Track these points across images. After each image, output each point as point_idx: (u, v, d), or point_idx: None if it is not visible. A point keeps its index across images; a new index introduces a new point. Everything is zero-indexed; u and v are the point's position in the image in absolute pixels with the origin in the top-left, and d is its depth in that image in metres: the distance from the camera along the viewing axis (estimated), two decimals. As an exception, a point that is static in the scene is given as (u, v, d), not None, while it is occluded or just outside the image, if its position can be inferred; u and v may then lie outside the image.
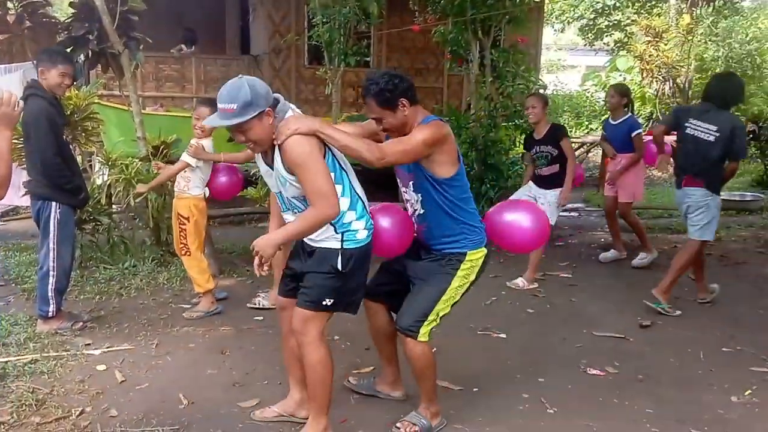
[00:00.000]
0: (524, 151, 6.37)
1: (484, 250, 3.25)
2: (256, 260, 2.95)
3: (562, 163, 5.85)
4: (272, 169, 2.92)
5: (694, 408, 3.58)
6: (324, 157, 2.84)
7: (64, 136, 4.55)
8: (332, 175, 2.85)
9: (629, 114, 6.66)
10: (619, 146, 6.51)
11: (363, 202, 3.01)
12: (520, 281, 5.83)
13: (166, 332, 4.60)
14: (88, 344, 4.33)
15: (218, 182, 5.08)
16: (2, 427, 3.25)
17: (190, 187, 4.88)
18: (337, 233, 2.93)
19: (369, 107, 3.09)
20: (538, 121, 5.93)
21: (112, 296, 5.34)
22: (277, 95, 2.89)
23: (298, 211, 2.96)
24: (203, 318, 4.87)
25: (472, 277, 3.25)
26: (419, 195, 3.19)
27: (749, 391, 3.77)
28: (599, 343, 4.52)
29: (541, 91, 10.56)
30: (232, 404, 3.54)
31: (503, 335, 4.63)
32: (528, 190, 6.05)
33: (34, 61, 7.43)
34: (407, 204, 3.30)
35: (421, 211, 3.21)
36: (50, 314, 4.50)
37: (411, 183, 3.20)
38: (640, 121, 15.01)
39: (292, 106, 2.94)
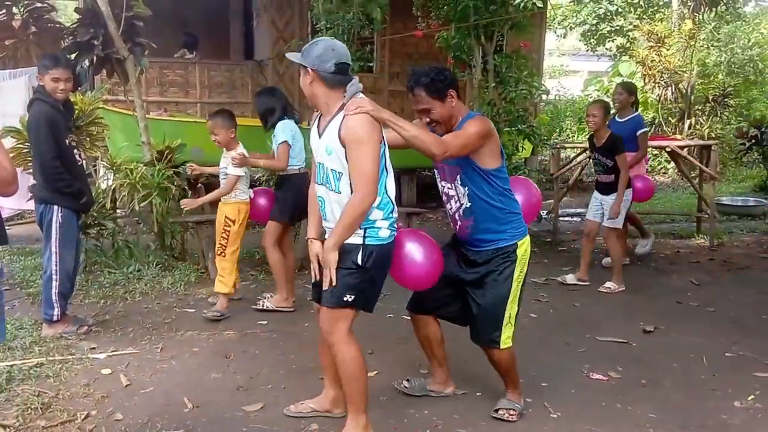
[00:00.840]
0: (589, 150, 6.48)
1: (528, 238, 3.39)
2: (325, 272, 2.99)
3: (617, 173, 5.91)
4: (320, 137, 3.02)
5: (697, 413, 3.59)
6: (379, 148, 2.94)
7: (68, 141, 4.55)
8: None
9: (636, 112, 6.73)
10: (624, 144, 6.48)
11: (393, 206, 3.06)
12: (611, 284, 5.90)
13: (171, 336, 4.62)
14: (93, 348, 4.35)
15: (260, 205, 5.25)
16: (8, 430, 3.27)
17: (237, 193, 5.03)
18: (360, 229, 2.96)
19: (418, 98, 3.20)
20: (597, 129, 5.97)
21: (117, 300, 5.37)
22: (353, 78, 3.01)
23: (330, 188, 3.01)
24: (219, 319, 4.93)
25: (526, 268, 3.38)
26: (466, 188, 3.28)
27: (752, 397, 3.78)
28: (602, 348, 4.53)
29: (544, 96, 10.61)
30: (236, 408, 3.55)
31: (506, 340, 4.63)
32: (595, 200, 6.15)
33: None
34: (450, 201, 3.39)
35: (468, 205, 3.30)
36: (55, 318, 4.53)
37: (458, 176, 3.28)
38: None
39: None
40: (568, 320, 5.13)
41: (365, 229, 2.97)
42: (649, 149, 7.39)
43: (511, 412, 3.45)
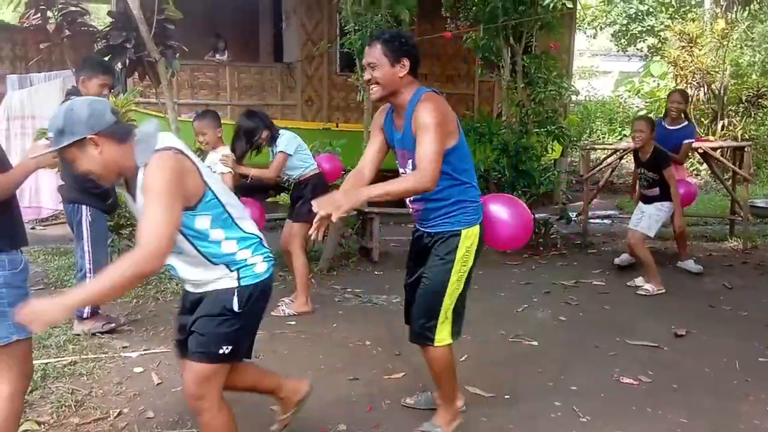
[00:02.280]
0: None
1: (478, 228, 3.10)
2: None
3: (662, 185, 5.95)
4: (134, 201, 2.45)
5: (729, 418, 3.53)
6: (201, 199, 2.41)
7: None
8: (209, 218, 2.45)
9: (685, 122, 6.77)
10: (670, 150, 6.43)
11: (257, 237, 2.62)
12: (649, 287, 5.87)
13: (201, 336, 4.67)
14: (126, 347, 4.42)
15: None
16: (43, 426, 3.33)
17: None
18: (231, 271, 2.53)
19: (370, 51, 2.95)
20: (643, 145, 5.97)
21: (149, 300, 5.45)
22: (139, 125, 2.46)
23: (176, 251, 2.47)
24: None
25: (471, 263, 3.10)
26: None
27: (786, 402, 3.71)
28: (633, 352, 4.49)
29: (573, 97, 10.54)
30: (265, 407, 3.57)
31: (535, 342, 4.62)
32: (639, 211, 6.20)
33: (74, 69, 7.59)
34: None
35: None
36: (86, 315, 4.60)
37: (410, 162, 3.02)
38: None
39: (163, 135, 2.40)
40: (598, 323, 5.08)
41: (237, 269, 2.53)
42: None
43: None
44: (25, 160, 2.67)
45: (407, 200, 3.14)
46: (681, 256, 6.65)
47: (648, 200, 6.10)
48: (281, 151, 5.14)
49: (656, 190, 5.99)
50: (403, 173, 3.09)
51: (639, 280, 6.07)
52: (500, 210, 3.28)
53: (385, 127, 3.19)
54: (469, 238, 3.07)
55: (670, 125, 6.69)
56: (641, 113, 15.63)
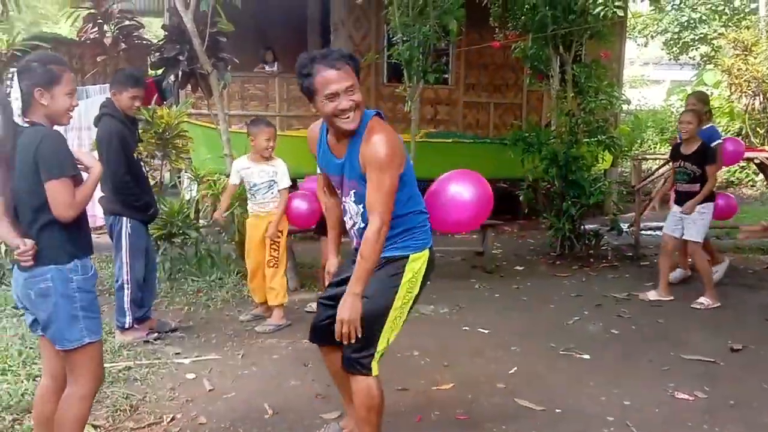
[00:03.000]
0: (670, 159, 6.25)
1: (427, 253, 2.86)
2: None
3: (703, 182, 5.73)
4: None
5: (791, 437, 3.42)
6: None
7: (135, 155, 4.71)
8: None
9: (710, 124, 6.51)
10: None
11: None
12: (704, 300, 5.74)
13: (251, 343, 4.73)
14: (178, 353, 4.49)
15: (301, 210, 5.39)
16: (99, 430, 3.41)
17: (277, 205, 5.12)
18: None
19: (345, 74, 2.61)
20: (690, 137, 5.81)
21: (200, 307, 5.54)
22: None
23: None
24: (275, 331, 5.00)
25: (416, 290, 2.85)
26: (360, 206, 2.78)
27: None
28: (687, 367, 4.38)
29: (624, 106, 10.37)
30: (314, 416, 3.60)
31: (586, 356, 4.54)
32: (673, 215, 5.96)
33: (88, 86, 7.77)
34: (345, 215, 2.91)
35: (362, 226, 2.78)
36: (127, 325, 4.69)
37: (353, 192, 2.78)
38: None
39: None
40: (651, 337, 4.97)
41: None
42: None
43: None
44: (93, 170, 2.73)
45: (352, 234, 2.92)
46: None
47: (683, 198, 5.81)
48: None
49: (696, 186, 5.72)
50: (344, 202, 2.87)
51: (652, 294, 5.92)
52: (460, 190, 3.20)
53: (320, 149, 2.89)
54: (417, 261, 2.82)
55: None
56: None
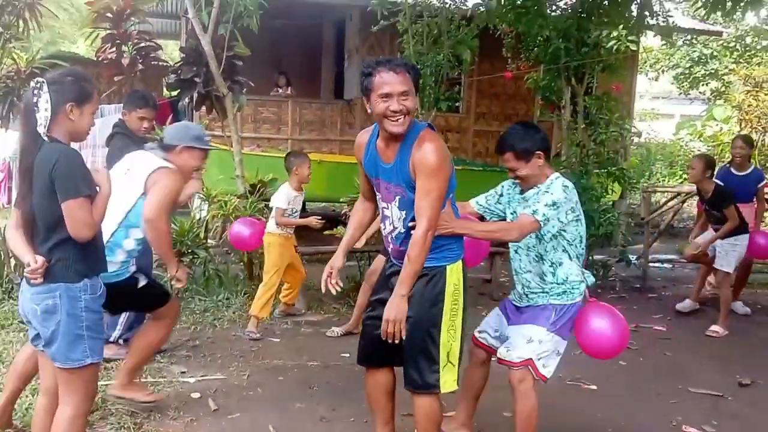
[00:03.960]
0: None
1: (461, 263, 2.97)
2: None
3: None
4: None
5: (799, 474, 3.39)
6: None
7: None
8: None
9: (754, 167, 6.74)
10: (745, 197, 6.42)
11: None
12: (718, 328, 5.84)
13: (257, 364, 4.72)
14: (184, 372, 4.49)
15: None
16: (103, 447, 3.40)
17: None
18: None
19: (403, 79, 2.76)
20: (695, 182, 6.04)
21: (207, 327, 5.54)
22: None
23: None
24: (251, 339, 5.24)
25: (462, 300, 2.94)
26: (404, 212, 2.88)
27: None
28: (695, 400, 4.35)
29: (635, 139, 10.40)
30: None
31: (594, 387, 4.52)
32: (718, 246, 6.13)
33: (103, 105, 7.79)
34: (384, 221, 3.01)
35: (402, 230, 2.91)
36: (112, 339, 4.65)
37: (397, 198, 2.88)
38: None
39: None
40: (659, 369, 4.95)
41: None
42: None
43: None
44: (103, 189, 2.74)
45: (389, 240, 3.01)
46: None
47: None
48: None
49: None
50: (384, 207, 2.97)
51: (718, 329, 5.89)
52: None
53: (366, 154, 2.99)
54: (455, 273, 2.92)
55: (738, 171, 6.55)
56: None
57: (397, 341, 2.77)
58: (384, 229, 3.03)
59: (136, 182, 3.50)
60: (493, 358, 3.45)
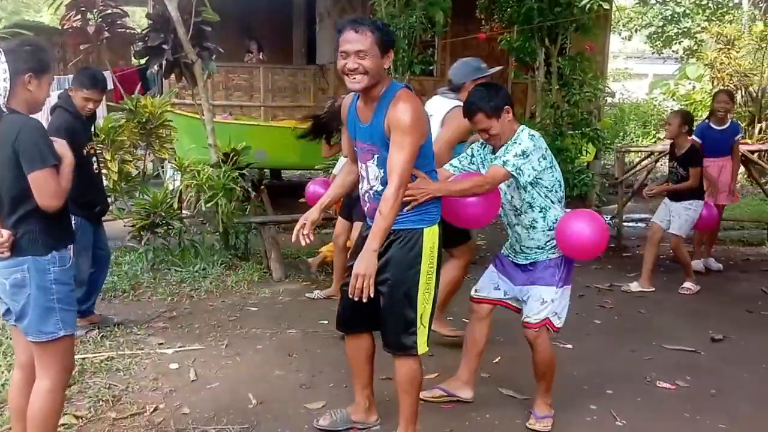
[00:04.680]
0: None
1: (437, 227, 2.97)
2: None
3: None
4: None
5: (770, 425, 3.47)
6: None
7: (86, 151, 4.51)
8: None
9: (731, 121, 6.74)
10: (724, 150, 6.56)
11: None
12: (690, 285, 5.92)
13: (235, 333, 4.71)
14: (161, 343, 4.47)
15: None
16: (81, 421, 3.39)
17: None
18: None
19: (360, 38, 2.77)
20: (672, 138, 6.01)
21: (184, 298, 5.50)
22: None
23: None
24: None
25: (437, 264, 2.97)
26: (381, 170, 2.88)
27: (829, 410, 3.63)
28: (669, 356, 4.42)
29: (609, 99, 10.42)
30: (299, 405, 3.60)
31: (569, 346, 4.58)
32: (664, 206, 6.12)
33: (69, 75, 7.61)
34: (362, 182, 3.01)
35: (379, 188, 2.89)
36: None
37: (375, 157, 2.90)
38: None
39: None
40: (634, 327, 5.02)
41: None
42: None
43: None
44: (65, 159, 2.68)
45: (366, 199, 3.01)
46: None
47: (675, 196, 5.99)
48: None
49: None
50: (362, 167, 2.98)
51: (634, 285, 6.00)
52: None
53: (349, 115, 3.04)
54: (431, 236, 2.94)
55: (718, 125, 6.59)
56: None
57: (365, 299, 2.74)
58: (361, 188, 3.04)
59: (435, 125, 3.91)
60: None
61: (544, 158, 3.21)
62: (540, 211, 3.28)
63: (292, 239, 3.10)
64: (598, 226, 3.29)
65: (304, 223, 3.07)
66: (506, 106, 3.22)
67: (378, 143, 2.86)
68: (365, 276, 2.72)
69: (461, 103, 3.61)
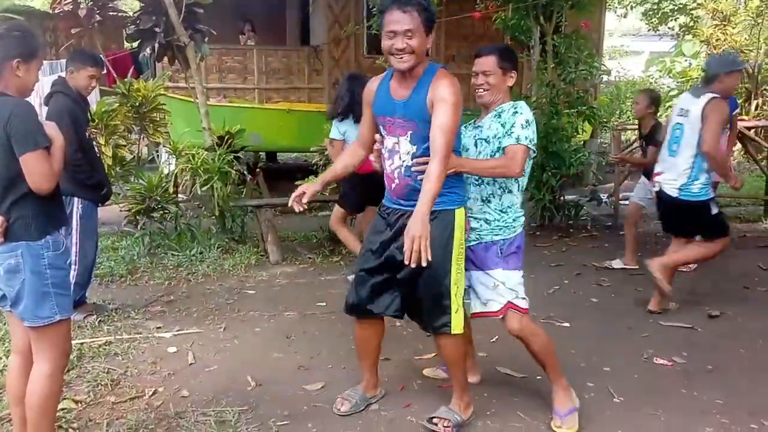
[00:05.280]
0: None
1: (464, 209, 3.05)
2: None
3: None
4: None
5: (765, 399, 3.49)
6: None
7: (87, 134, 4.57)
8: None
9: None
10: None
11: None
12: (615, 262, 5.98)
13: (233, 317, 4.72)
14: (159, 327, 4.47)
15: None
16: (80, 405, 3.40)
17: None
18: None
19: (407, 18, 2.79)
20: (640, 117, 6.04)
21: (181, 282, 5.50)
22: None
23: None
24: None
25: (464, 243, 3.04)
26: (414, 146, 2.93)
27: (825, 384, 3.65)
28: (666, 333, 4.44)
29: (604, 77, 10.37)
30: (297, 387, 3.62)
31: (567, 324, 4.59)
32: (639, 184, 6.19)
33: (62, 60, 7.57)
34: (392, 157, 3.01)
35: (410, 164, 2.94)
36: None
37: (409, 133, 2.93)
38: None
39: None
40: (631, 305, 5.03)
41: None
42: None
43: (446, 423, 3.11)
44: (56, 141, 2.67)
45: (395, 175, 3.01)
46: None
47: (645, 173, 5.96)
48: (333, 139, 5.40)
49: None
50: (394, 143, 2.99)
51: (616, 263, 6.03)
52: None
53: (378, 95, 3.05)
54: (461, 216, 3.00)
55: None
56: (673, 93, 15.37)
57: (423, 263, 2.65)
58: (390, 165, 3.02)
59: (693, 120, 4.46)
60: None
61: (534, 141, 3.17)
62: (500, 188, 3.17)
63: (288, 203, 3.14)
64: None
65: (304, 192, 3.10)
66: (514, 71, 3.21)
67: (416, 119, 2.89)
68: (421, 237, 2.64)
69: (717, 95, 4.40)
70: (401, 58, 2.83)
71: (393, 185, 3.04)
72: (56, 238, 2.66)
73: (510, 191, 3.19)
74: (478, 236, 3.19)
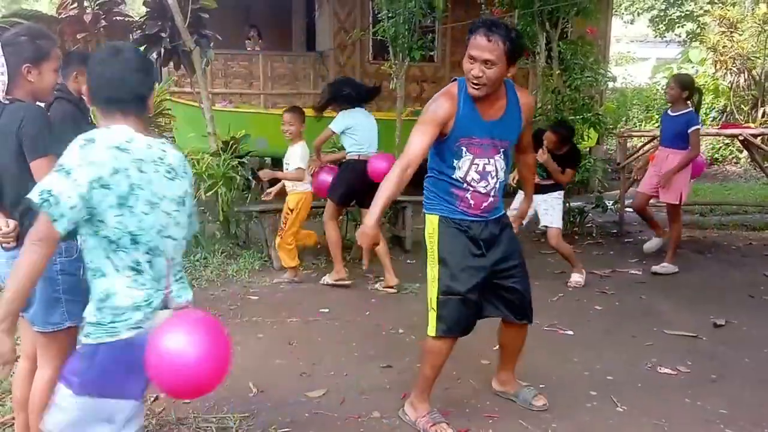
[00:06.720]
0: None
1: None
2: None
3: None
4: None
5: (771, 410, 3.47)
6: None
7: None
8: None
9: (690, 108, 6.07)
10: (670, 139, 6.08)
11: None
12: (577, 277, 5.74)
13: (236, 322, 4.71)
14: (162, 332, 4.46)
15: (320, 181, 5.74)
16: (82, 410, 3.39)
17: (298, 185, 5.57)
18: None
19: (491, 47, 2.75)
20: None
21: (184, 287, 5.49)
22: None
23: None
24: (288, 283, 5.62)
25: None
26: (505, 162, 3.05)
27: (831, 394, 3.62)
28: (670, 342, 4.41)
29: (610, 84, 10.34)
30: (299, 393, 3.60)
31: (570, 332, 4.57)
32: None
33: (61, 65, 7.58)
34: (486, 178, 2.97)
35: (503, 179, 3.06)
36: None
37: (502, 151, 3.01)
38: (713, 114, 14.54)
39: None
40: (635, 313, 5.01)
41: None
42: (722, 138, 6.99)
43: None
44: None
45: (489, 195, 3.02)
46: None
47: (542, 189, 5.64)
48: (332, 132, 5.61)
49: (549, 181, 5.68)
50: (485, 164, 2.96)
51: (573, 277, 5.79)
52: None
53: (460, 116, 2.90)
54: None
55: (672, 112, 6.12)
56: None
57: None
58: (485, 186, 3.00)
59: None
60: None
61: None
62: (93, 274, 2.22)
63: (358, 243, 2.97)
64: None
65: (365, 233, 2.89)
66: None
67: (512, 137, 3.04)
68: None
69: None
70: (476, 86, 2.83)
71: (484, 204, 3.03)
72: (69, 244, 2.65)
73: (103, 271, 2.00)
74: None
